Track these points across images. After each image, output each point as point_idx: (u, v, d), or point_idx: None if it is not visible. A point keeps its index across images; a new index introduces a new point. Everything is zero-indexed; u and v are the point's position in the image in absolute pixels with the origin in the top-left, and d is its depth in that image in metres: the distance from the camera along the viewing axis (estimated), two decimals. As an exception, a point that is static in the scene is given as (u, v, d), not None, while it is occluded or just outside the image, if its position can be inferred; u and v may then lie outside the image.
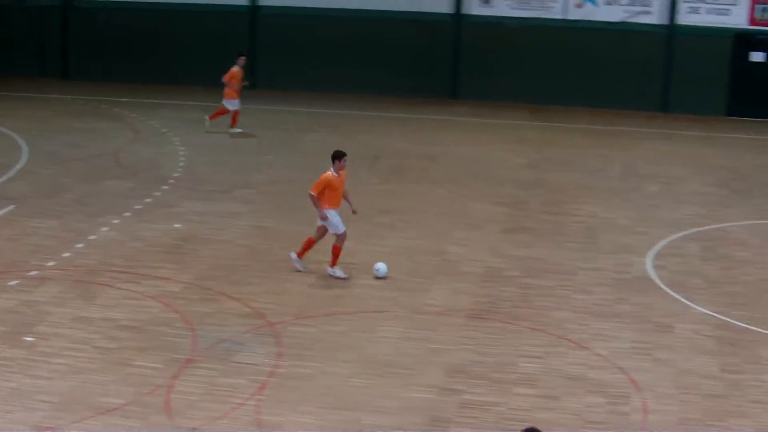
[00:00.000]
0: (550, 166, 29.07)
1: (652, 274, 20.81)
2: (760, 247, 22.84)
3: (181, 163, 28.28)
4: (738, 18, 37.15)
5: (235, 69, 31.88)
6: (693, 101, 37.27)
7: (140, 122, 33.49)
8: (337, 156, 19.63)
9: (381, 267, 20.00)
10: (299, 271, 20.09)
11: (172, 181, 26.46)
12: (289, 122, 32.35)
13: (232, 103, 31.94)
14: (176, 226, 22.83)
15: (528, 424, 10.24)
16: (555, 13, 37.55)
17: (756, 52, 37.47)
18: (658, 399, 15.49)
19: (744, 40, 37.35)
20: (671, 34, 37.32)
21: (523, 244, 22.35)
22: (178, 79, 39.44)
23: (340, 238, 19.88)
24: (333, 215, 19.69)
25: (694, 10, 37.25)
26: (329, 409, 14.70)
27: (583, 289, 19.79)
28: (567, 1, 37.45)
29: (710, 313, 18.94)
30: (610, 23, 37.43)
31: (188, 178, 26.77)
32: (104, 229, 22.44)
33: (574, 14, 37.47)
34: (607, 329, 17.93)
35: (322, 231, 19.94)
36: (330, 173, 19.57)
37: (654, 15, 37.35)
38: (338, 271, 19.91)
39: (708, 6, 37.21)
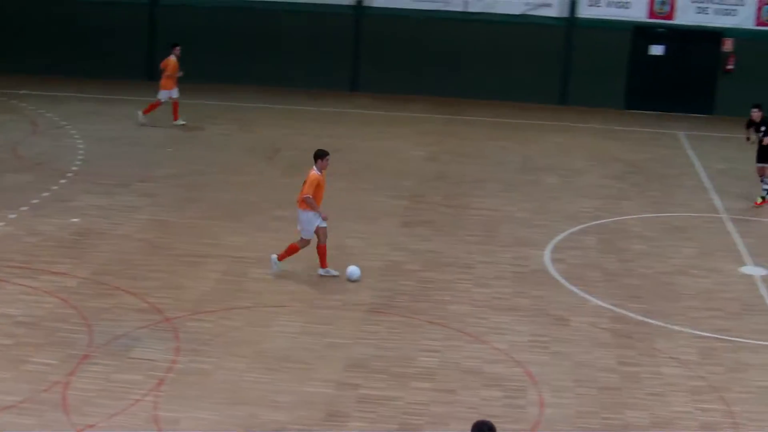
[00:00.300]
0: (450, 158, 29.15)
1: (550, 267, 20.98)
2: (657, 240, 23.13)
3: (80, 157, 27.89)
4: (637, 11, 37.51)
5: (172, 59, 31.61)
6: (592, 94, 37.57)
7: (39, 115, 32.98)
8: (321, 155, 19.48)
9: (354, 271, 19.74)
10: (334, 275, 19.78)
11: (70, 174, 26.10)
12: (189, 114, 32.04)
13: (164, 94, 31.64)
14: (74, 220, 22.53)
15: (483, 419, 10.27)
16: (456, 5, 37.60)
17: (655, 45, 37.87)
18: (555, 392, 15.63)
19: (643, 33, 37.74)
20: (571, 26, 37.58)
21: (422, 237, 22.40)
22: (81, 73, 38.79)
23: (303, 242, 19.68)
24: (311, 217, 19.44)
25: (594, 3, 37.56)
26: (226, 404, 14.64)
27: (481, 283, 19.90)
28: (468, -6, 37.60)
29: (607, 305, 19.15)
30: (510, 16, 37.60)
31: (87, 172, 26.41)
32: (0, 224, 22.08)
33: (475, 7, 37.58)
34: (505, 323, 18.05)
35: (324, 231, 19.67)
36: (316, 172, 19.36)
37: (554, 8, 37.57)
38: (331, 270, 19.76)
39: None
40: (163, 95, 31.63)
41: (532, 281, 20.09)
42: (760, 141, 26.28)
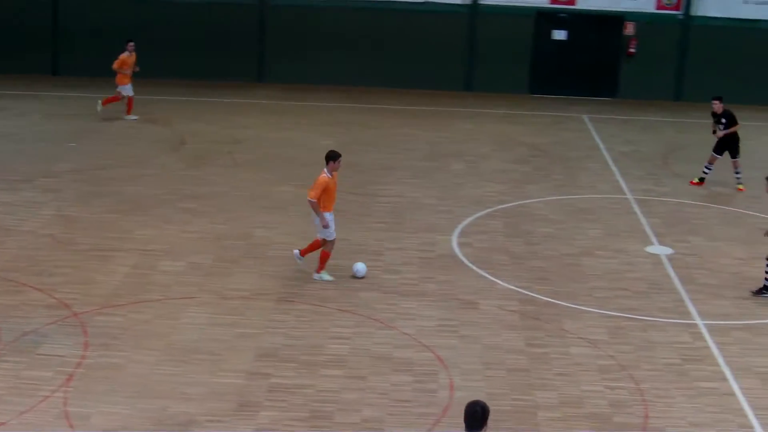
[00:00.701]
0: (357, 147, 29.15)
1: (457, 251, 21.11)
2: (562, 223, 23.37)
3: (-19, 153, 27.54)
4: (540, -3, 37.89)
5: (125, 55, 31.28)
6: (497, 80, 37.82)
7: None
8: (333, 157, 18.97)
9: (360, 268, 19.56)
10: (298, 262, 19.61)
11: (-29, 171, 25.75)
12: (94, 108, 31.69)
13: (125, 89, 31.31)
14: (-24, 217, 22.25)
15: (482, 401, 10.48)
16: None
17: (557, 30, 38.22)
18: (465, 375, 15.76)
19: (546, 18, 38.06)
20: (474, 13, 37.76)
21: (330, 225, 22.39)
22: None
23: (330, 244, 19.29)
24: (329, 219, 19.05)
25: (497, -10, 37.80)
26: (137, 398, 14.57)
27: (390, 269, 19.97)
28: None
29: (514, 288, 19.33)
30: (414, 4, 37.70)
31: (-11, 168, 26.07)
32: None
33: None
34: (413, 308, 18.15)
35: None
36: (325, 175, 18.90)
37: (462, -5, 37.79)
38: (326, 276, 19.35)
39: (510, -14, 37.83)
40: (125, 90, 31.33)
41: (440, 266, 20.20)
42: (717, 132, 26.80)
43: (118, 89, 31.43)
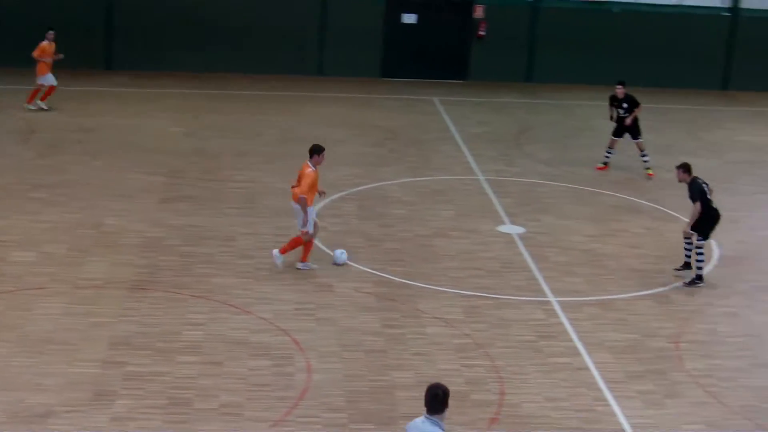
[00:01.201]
0: (209, 133, 28.90)
1: (313, 235, 21.08)
2: (416, 204, 23.51)
3: None
4: (389, -19, 37.98)
5: (45, 43, 30.43)
6: (348, 64, 37.85)
7: None
8: (318, 150, 19.06)
9: (340, 255, 19.65)
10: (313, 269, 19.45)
11: None
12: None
13: (44, 79, 30.43)
14: None
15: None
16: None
17: (407, 14, 38.37)
18: (322, 358, 15.79)
19: (395, 2, 38.17)
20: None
21: (181, 212, 22.18)
22: None
23: (307, 235, 19.11)
24: (310, 212, 18.97)
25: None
26: (-10, 391, 14.28)
27: (244, 254, 19.88)
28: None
29: (370, 270, 19.40)
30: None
31: None
32: None
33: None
34: (269, 292, 18.11)
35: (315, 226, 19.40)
36: (311, 169, 18.96)
37: (307, -20, 37.68)
38: (312, 264, 19.43)
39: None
40: (44, 80, 30.48)
41: (295, 250, 20.14)
42: (620, 117, 27.10)
43: (38, 81, 30.65)
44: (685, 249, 20.14)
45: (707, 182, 20.05)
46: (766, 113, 35.57)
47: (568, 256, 20.83)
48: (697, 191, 19.67)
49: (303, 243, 19.26)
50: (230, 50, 37.45)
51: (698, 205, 19.53)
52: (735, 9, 39.34)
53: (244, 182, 24.52)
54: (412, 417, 14.13)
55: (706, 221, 19.72)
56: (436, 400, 10.51)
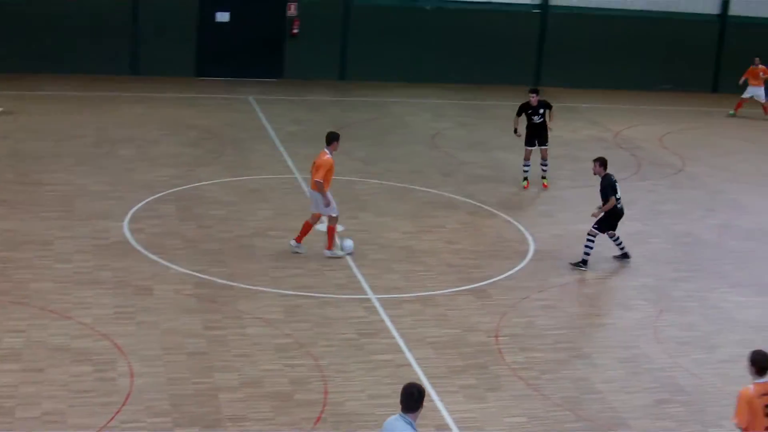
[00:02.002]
0: (22, 135, 28.26)
1: (130, 237, 20.90)
2: (235, 204, 23.49)
3: None
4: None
5: None
6: (163, 63, 37.46)
7: None
8: (335, 137, 20.48)
9: (348, 244, 20.83)
10: (299, 253, 20.57)
11: None
12: None
13: None
14: None
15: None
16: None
17: (220, 12, 38.19)
18: (144, 362, 15.71)
19: (209, 1, 37.96)
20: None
21: (-4, 217, 21.75)
22: None
23: (335, 219, 20.39)
24: (331, 197, 20.15)
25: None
26: None
27: (62, 258, 19.59)
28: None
29: (190, 272, 19.34)
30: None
31: None
32: None
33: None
34: (89, 297, 17.90)
35: (318, 215, 20.54)
36: (328, 156, 20.14)
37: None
38: (338, 251, 20.61)
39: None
40: None
41: (114, 253, 19.97)
42: (534, 125, 26.26)
43: None
44: (616, 243, 21.49)
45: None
46: (576, 109, 36.49)
47: (387, 253, 21.11)
48: (609, 186, 20.82)
49: (333, 228, 20.54)
50: (42, 50, 36.62)
51: (612, 200, 20.67)
52: (545, 6, 40.26)
53: (59, 185, 24.10)
54: (236, 419, 14.32)
55: (609, 216, 20.87)
56: (412, 398, 11.09)
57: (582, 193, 25.72)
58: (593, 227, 20.91)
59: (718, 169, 29.60)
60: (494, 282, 19.97)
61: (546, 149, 26.64)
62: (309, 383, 15.49)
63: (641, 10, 41.16)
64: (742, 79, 37.67)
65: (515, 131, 26.56)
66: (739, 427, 11.92)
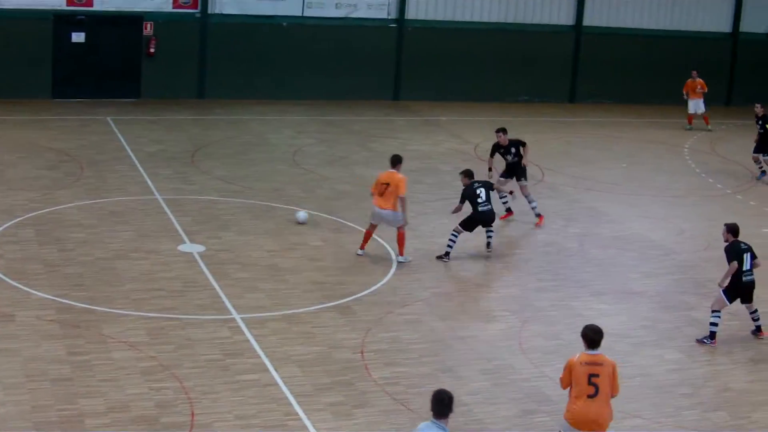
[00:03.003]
0: None
1: (-11, 264, 20.58)
2: (95, 227, 23.23)
3: None
4: (55, -1, 37.29)
5: None
6: (16, 85, 36.82)
7: None
8: (401, 160, 22.35)
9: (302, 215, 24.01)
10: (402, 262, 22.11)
11: None
12: None
13: None
14: None
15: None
16: None
17: (76, 33, 37.73)
18: (7, 390, 15.51)
19: (63, 21, 37.48)
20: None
21: None
22: None
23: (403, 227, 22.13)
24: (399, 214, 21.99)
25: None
26: None
27: None
28: None
29: (51, 297, 19.10)
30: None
31: None
32: None
33: None
34: (-53, 326, 17.57)
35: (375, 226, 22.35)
36: (401, 175, 21.98)
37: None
38: (408, 257, 22.30)
39: (24, -12, 36.98)
40: None
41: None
42: (510, 164, 25.67)
43: None
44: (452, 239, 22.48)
45: (485, 186, 22.91)
46: (435, 122, 36.91)
47: (250, 272, 21.10)
48: (468, 195, 22.69)
49: (404, 234, 22.11)
50: None
51: (465, 205, 22.71)
52: (401, 20, 40.59)
53: None
54: (104, 445, 14.18)
55: (471, 220, 22.70)
56: (442, 404, 11.67)
57: (441, 206, 25.99)
58: (458, 225, 22.39)
59: (576, 179, 30.19)
60: (358, 298, 20.10)
61: (525, 186, 25.84)
62: (175, 406, 15.42)
63: (497, 22, 41.78)
64: (684, 92, 38.89)
65: (489, 170, 25.91)
66: (563, 388, 13.61)
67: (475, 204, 22.55)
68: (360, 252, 22.33)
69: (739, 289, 19.09)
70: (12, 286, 19.54)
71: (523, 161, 25.68)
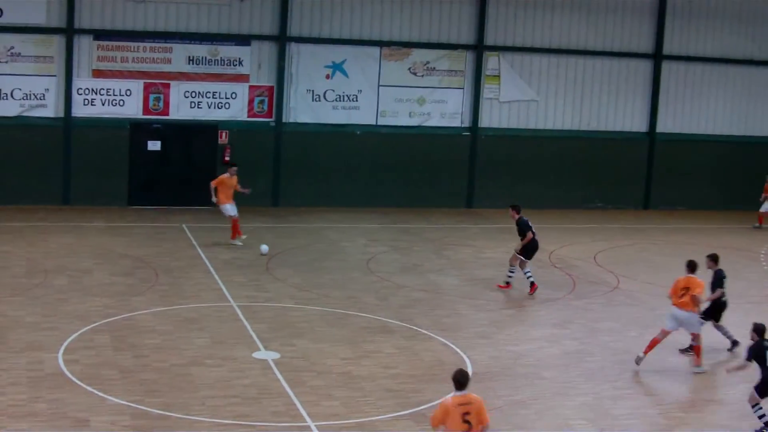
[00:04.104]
0: (-50, 268, 28.04)
1: (65, 369, 20.62)
2: (170, 333, 23.29)
3: None
4: (132, 108, 37.87)
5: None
6: (94, 193, 37.46)
7: None
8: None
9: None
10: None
11: None
12: None
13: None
14: None
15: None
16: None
17: (152, 141, 38.33)
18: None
19: (140, 129, 38.11)
20: (67, 126, 37.31)
21: (-72, 351, 21.37)
22: None
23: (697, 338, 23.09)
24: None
25: (89, 102, 37.54)
26: None
27: (-4, 393, 19.28)
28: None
29: (126, 403, 19.06)
30: (6, 117, 36.80)
31: None
32: None
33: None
34: (24, 429, 17.58)
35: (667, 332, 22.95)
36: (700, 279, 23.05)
37: (49, 108, 37.22)
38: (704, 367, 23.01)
39: (102, 98, 37.63)
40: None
41: (48, 385, 19.66)
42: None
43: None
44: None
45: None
46: (508, 229, 36.78)
47: (325, 380, 20.97)
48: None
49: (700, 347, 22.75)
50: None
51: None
52: (474, 128, 40.80)
53: (-9, 317, 23.85)
54: None
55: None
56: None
57: (517, 314, 25.81)
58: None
59: (653, 285, 29.86)
60: (433, 406, 19.84)
61: (513, 257, 28.49)
62: None
63: (569, 130, 41.87)
64: (763, 196, 39.73)
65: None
66: (433, 426, 15.01)
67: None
68: (640, 356, 22.81)
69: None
70: (87, 391, 19.55)
71: (522, 242, 28.17)
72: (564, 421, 19.70)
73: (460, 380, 14.97)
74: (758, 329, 20.04)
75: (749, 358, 19.79)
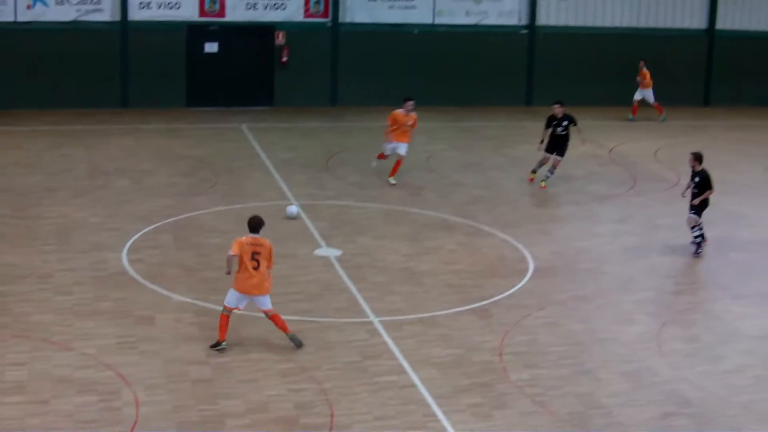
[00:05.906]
0: (15, 170, 28.25)
1: (129, 268, 20.85)
2: (231, 232, 23.24)
3: None
4: (188, 10, 37.75)
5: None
6: (153, 95, 37.54)
7: None
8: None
9: (292, 210, 24.54)
10: None
11: None
12: None
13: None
14: None
15: None
16: (6, 15, 36.37)
17: (209, 43, 38.28)
18: (149, 390, 15.65)
19: (196, 32, 38.04)
20: (124, 30, 37.28)
21: (-8, 251, 21.68)
22: None
23: None
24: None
25: (146, 5, 37.47)
26: None
27: (62, 290, 19.52)
28: (17, 2, 36.39)
29: (190, 300, 19.28)
30: (63, 23, 36.84)
31: None
32: None
33: (25, 16, 36.52)
34: (90, 327, 17.83)
35: None
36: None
37: (106, 12, 37.18)
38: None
39: (158, 1, 37.54)
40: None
41: (113, 284, 19.91)
42: (557, 135, 27.93)
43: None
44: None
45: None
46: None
47: (387, 276, 21.05)
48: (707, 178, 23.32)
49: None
50: (24, 85, 36.58)
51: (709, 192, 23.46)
52: (532, 26, 40.42)
53: (55, 218, 24.06)
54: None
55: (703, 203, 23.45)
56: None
57: (578, 210, 25.74)
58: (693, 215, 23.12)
59: (714, 182, 29.55)
60: (495, 301, 19.92)
61: (559, 161, 28.15)
62: (314, 407, 15.41)
63: (626, 27, 41.34)
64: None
65: (541, 142, 28.15)
66: (232, 254, 17.09)
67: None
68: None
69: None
70: (151, 289, 19.78)
71: (580, 137, 28.35)
72: (626, 315, 19.69)
73: (253, 225, 17.41)
74: (698, 157, 22.98)
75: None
